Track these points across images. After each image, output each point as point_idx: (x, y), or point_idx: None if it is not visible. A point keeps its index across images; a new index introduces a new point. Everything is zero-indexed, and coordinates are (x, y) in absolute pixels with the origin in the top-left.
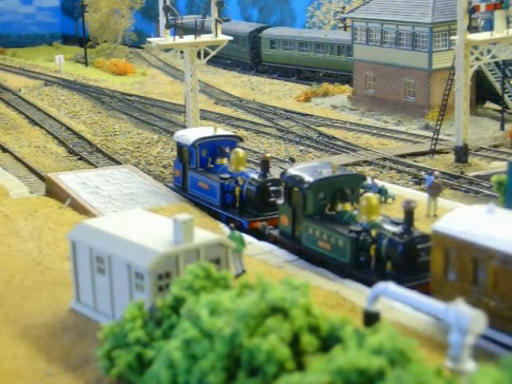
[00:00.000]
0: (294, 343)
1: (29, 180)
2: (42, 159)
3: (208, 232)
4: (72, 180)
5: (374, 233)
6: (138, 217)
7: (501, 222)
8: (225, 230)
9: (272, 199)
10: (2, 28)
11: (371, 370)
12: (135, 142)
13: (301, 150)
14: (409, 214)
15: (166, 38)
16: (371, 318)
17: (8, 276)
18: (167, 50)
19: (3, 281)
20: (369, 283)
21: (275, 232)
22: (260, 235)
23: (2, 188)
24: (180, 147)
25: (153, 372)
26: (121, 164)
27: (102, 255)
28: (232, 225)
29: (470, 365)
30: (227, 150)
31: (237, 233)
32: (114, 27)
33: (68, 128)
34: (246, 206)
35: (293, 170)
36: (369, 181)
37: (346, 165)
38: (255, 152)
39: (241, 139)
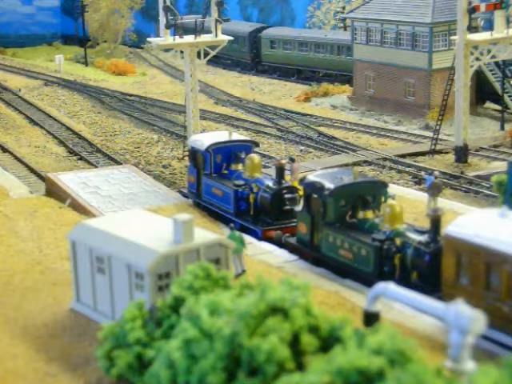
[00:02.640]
0: (294, 343)
1: (29, 180)
2: (42, 159)
3: (208, 232)
4: (72, 180)
5: (398, 241)
6: (138, 217)
7: None
8: (225, 230)
9: (287, 207)
10: (1, 28)
11: (371, 370)
12: (135, 142)
13: (301, 150)
14: (435, 222)
15: (166, 38)
16: (371, 318)
17: (8, 276)
18: (167, 50)
19: (3, 281)
20: None
21: (292, 240)
22: (275, 244)
23: (1, 188)
24: (194, 152)
25: (153, 372)
26: (121, 164)
27: (101, 255)
28: (232, 225)
29: (470, 365)
30: (242, 155)
31: (237, 233)
32: (114, 27)
33: (68, 128)
34: (260, 214)
35: (312, 177)
36: None
37: (346, 165)
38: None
39: (257, 144)
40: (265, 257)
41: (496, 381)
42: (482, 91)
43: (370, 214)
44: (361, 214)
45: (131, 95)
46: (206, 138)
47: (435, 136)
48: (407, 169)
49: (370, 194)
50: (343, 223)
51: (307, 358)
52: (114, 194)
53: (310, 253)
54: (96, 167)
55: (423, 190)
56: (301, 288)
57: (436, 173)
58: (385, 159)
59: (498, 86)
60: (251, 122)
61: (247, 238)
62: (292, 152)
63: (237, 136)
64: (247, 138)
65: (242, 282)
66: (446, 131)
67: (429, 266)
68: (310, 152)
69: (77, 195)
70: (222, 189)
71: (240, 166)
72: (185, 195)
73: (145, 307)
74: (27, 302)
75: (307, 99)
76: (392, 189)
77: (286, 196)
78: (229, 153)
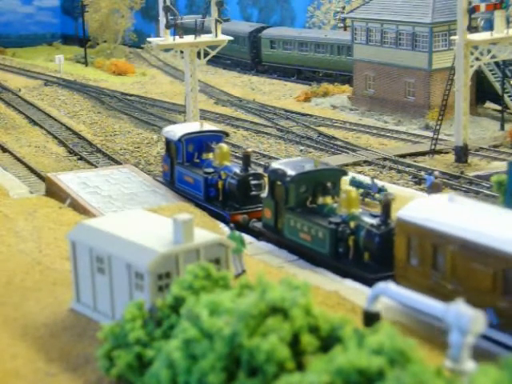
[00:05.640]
0: (294, 343)
1: (29, 180)
2: (41, 159)
3: (208, 232)
4: (72, 180)
5: (352, 224)
6: (138, 217)
7: (460, 209)
8: (225, 229)
9: (253, 193)
10: (2, 28)
11: (371, 370)
12: (135, 142)
13: (301, 150)
14: (386, 206)
15: (166, 38)
16: (371, 318)
17: (8, 276)
18: (167, 50)
19: (3, 281)
20: (347, 274)
21: (259, 225)
22: (242, 227)
23: (1, 188)
24: (168, 142)
25: (153, 372)
26: (121, 164)
27: (101, 255)
28: (232, 225)
29: (469, 365)
30: (213, 144)
31: (237, 233)
32: (114, 27)
33: (68, 128)
34: (228, 200)
35: (276, 164)
36: (369, 181)
37: (346, 165)
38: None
39: (227, 134)
40: (265, 257)
41: (496, 381)
42: (482, 91)
43: (329, 200)
44: (320, 200)
45: (131, 95)
46: (178, 128)
47: (435, 136)
48: (407, 169)
49: (329, 180)
50: (304, 208)
51: (307, 358)
52: (114, 194)
53: (274, 236)
54: (96, 167)
55: (423, 189)
56: (301, 288)
57: (436, 173)
58: (385, 159)
59: (497, 86)
60: (251, 122)
61: (247, 238)
62: (292, 152)
63: (208, 127)
64: (218, 129)
65: (242, 282)
66: (446, 131)
67: (379, 247)
68: (310, 152)
69: (77, 195)
70: (192, 176)
71: (211, 155)
72: (161, 183)
73: (145, 307)
74: (27, 302)
75: (307, 99)
76: (392, 189)
77: (252, 182)
78: (200, 142)
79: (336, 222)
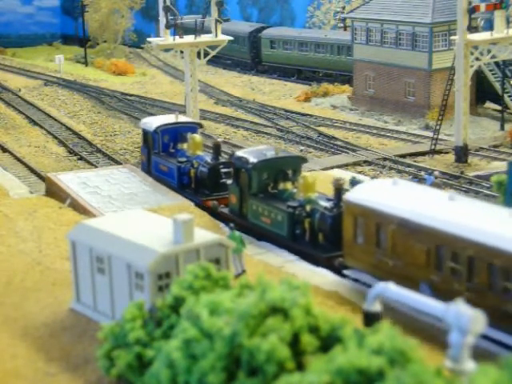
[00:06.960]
0: (294, 343)
1: (29, 180)
2: (42, 159)
3: (208, 232)
4: (72, 180)
5: (308, 208)
6: (138, 217)
7: (401, 192)
8: (225, 229)
9: (223, 180)
10: (2, 28)
11: (371, 370)
12: (135, 142)
13: (301, 150)
14: (338, 190)
15: (166, 38)
16: (371, 318)
17: (8, 276)
18: (167, 50)
19: (3, 281)
20: (303, 255)
21: (226, 210)
22: (212, 212)
23: (1, 188)
24: (145, 133)
25: (153, 372)
26: (121, 164)
27: (101, 255)
28: (232, 225)
29: (469, 365)
30: (188, 135)
31: (237, 233)
32: (113, 27)
33: (68, 128)
34: (200, 187)
35: (240, 153)
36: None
37: (346, 165)
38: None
39: (201, 126)
40: (264, 257)
41: (496, 381)
42: (482, 91)
43: (289, 186)
44: (281, 186)
45: (131, 95)
46: (155, 120)
47: (435, 136)
48: (407, 169)
49: (290, 167)
50: (266, 193)
51: (307, 358)
52: (114, 194)
53: (239, 221)
54: (96, 167)
55: None
56: (301, 288)
57: (436, 173)
58: (385, 159)
59: (497, 85)
60: (251, 122)
61: (247, 238)
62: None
63: (183, 118)
64: (192, 120)
65: (242, 282)
66: (446, 131)
67: (331, 228)
68: (310, 152)
69: (77, 195)
70: (167, 165)
71: (186, 146)
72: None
73: (145, 307)
74: (27, 301)
75: (307, 99)
76: None
77: (222, 170)
78: (175, 133)
79: (293, 206)
